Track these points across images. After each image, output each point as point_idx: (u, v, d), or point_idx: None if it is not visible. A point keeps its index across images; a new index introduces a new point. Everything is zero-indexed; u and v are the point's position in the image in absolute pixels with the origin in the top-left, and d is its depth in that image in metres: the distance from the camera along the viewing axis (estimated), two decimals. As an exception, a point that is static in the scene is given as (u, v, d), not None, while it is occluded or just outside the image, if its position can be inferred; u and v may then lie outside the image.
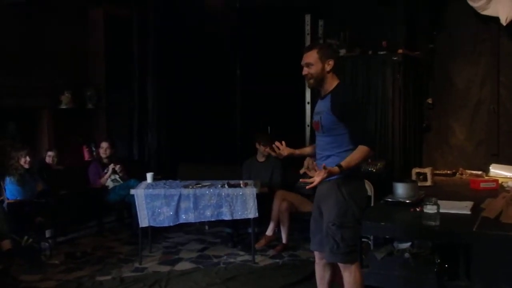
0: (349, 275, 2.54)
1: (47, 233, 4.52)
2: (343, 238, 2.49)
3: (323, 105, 2.56)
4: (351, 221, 2.51)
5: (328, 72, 2.53)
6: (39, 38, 5.33)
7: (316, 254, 2.73)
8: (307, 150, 2.91)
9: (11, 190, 4.39)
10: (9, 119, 5.18)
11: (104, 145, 5.13)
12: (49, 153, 5.03)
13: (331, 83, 2.55)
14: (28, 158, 4.42)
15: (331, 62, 2.52)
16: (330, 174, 2.36)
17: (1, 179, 4.41)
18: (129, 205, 4.61)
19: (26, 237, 3.96)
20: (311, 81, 2.55)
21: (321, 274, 2.74)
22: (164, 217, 3.97)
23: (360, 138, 2.44)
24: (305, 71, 2.55)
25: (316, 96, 2.78)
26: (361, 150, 2.41)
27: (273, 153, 2.76)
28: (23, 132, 5.26)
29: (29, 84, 5.15)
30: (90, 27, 6.00)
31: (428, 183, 3.89)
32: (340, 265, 2.58)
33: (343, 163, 2.38)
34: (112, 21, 6.05)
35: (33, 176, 4.58)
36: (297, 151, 2.79)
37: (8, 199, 4.33)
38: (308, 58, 2.54)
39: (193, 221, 4.04)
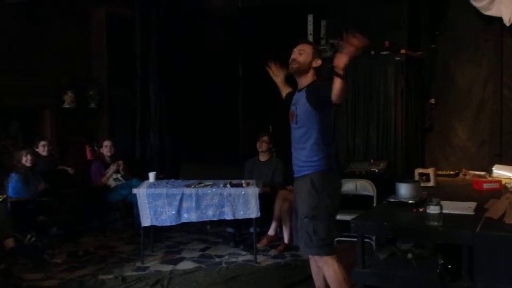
0: (327, 268, 2.59)
1: (50, 232, 4.53)
2: (315, 231, 2.53)
3: (299, 96, 2.68)
4: (323, 213, 2.56)
5: (313, 68, 2.68)
6: (42, 37, 5.34)
7: None
8: (285, 88, 3.03)
9: (15, 189, 4.40)
10: (12, 118, 5.19)
11: (108, 143, 5.15)
12: (42, 142, 4.85)
13: (310, 79, 2.68)
14: (29, 157, 4.43)
15: (319, 62, 2.70)
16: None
17: (4, 178, 4.42)
18: (131, 205, 4.61)
19: (29, 236, 3.98)
20: (296, 66, 2.67)
21: (316, 269, 2.76)
22: (166, 216, 3.97)
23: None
24: (295, 55, 2.68)
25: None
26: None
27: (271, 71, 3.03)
28: (26, 131, 5.27)
29: (31, 84, 5.17)
30: (93, 27, 6.02)
31: (431, 183, 3.88)
32: (318, 259, 2.61)
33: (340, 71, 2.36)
34: (114, 20, 6.06)
35: (36, 175, 4.59)
36: (282, 83, 3.04)
37: (11, 197, 4.33)
38: (304, 47, 2.72)
39: (195, 220, 4.03)
